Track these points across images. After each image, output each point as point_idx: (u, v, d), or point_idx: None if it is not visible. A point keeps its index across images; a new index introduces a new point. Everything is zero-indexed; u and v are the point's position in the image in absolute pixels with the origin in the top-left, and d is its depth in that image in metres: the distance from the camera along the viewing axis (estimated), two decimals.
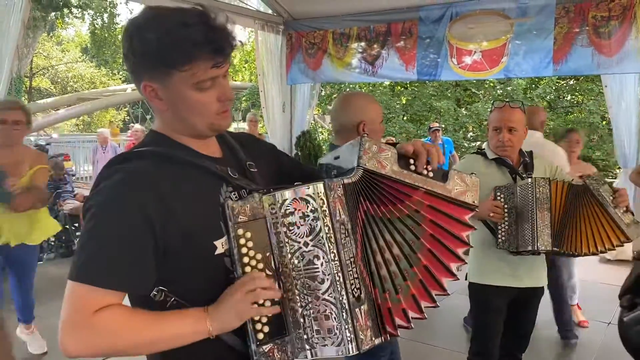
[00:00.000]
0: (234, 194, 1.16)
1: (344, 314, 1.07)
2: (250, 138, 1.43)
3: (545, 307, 2.66)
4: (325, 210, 1.08)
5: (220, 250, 1.11)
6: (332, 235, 1.08)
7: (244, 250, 1.08)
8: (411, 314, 1.20)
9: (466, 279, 2.65)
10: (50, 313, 4.33)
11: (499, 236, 2.44)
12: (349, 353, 1.07)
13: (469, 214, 1.28)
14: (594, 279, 5.11)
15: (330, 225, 1.08)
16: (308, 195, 1.08)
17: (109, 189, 1.05)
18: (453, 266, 1.25)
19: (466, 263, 1.26)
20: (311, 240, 1.08)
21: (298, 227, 1.08)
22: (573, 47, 5.21)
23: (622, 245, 2.45)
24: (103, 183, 1.07)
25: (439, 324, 4.21)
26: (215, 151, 1.23)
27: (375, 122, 2.18)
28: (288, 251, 1.09)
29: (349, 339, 1.07)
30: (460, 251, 1.27)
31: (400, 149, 1.23)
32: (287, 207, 1.09)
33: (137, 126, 9.86)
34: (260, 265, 1.09)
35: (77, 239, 6.66)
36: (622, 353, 3.75)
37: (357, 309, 1.09)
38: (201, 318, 1.06)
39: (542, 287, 2.61)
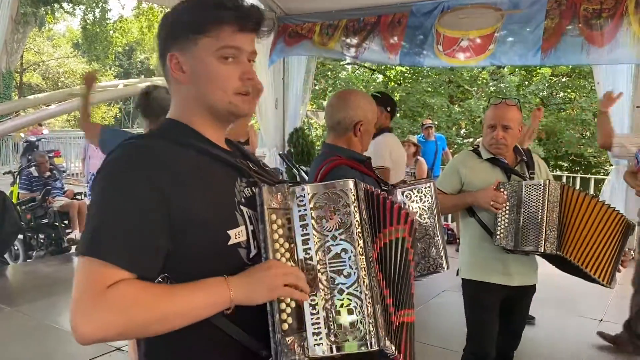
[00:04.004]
0: (248, 190, 1.16)
1: (368, 308, 1.07)
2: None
3: (536, 305, 2.65)
4: (356, 207, 1.11)
5: (233, 240, 1.08)
6: (361, 231, 1.10)
7: (276, 236, 1.08)
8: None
9: (457, 275, 2.63)
10: (40, 311, 4.29)
11: (498, 232, 2.40)
12: (370, 347, 1.06)
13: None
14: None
15: (359, 221, 1.11)
16: (341, 190, 1.11)
17: (123, 160, 1.03)
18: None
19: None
20: (340, 234, 1.09)
21: (327, 221, 1.10)
22: (563, 37, 5.18)
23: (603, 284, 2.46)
24: (116, 153, 1.05)
25: (432, 322, 4.20)
26: (224, 145, 1.23)
27: (371, 124, 2.16)
28: (315, 244, 1.09)
29: (372, 333, 1.06)
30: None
31: None
32: (317, 201, 1.10)
33: None
34: (287, 255, 1.09)
35: (67, 236, 6.62)
36: (613, 350, 3.77)
37: (377, 305, 1.10)
38: (221, 285, 1.02)
39: (534, 286, 2.60)
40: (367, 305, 1.07)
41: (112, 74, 27.47)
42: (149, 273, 1.00)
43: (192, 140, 1.12)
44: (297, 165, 4.72)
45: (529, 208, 2.36)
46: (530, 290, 2.60)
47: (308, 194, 1.11)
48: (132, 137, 1.13)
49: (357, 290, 1.07)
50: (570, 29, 5.14)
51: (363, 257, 1.09)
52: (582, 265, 2.39)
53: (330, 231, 1.09)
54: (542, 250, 2.34)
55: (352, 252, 1.09)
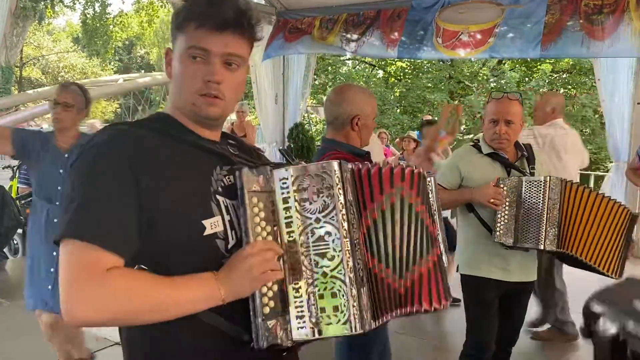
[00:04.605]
0: (228, 178, 1.13)
1: (352, 290, 1.05)
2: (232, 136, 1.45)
3: (536, 303, 2.64)
4: (340, 188, 1.08)
5: (209, 230, 1.06)
6: (346, 214, 1.08)
7: (257, 219, 1.06)
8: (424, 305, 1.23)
9: (457, 271, 2.63)
10: None
11: (497, 228, 2.39)
12: (354, 331, 1.05)
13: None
14: (587, 273, 5.10)
15: (343, 202, 1.08)
16: (324, 172, 1.08)
17: (97, 148, 1.03)
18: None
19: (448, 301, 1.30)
20: (324, 216, 1.07)
21: (310, 203, 1.07)
22: (563, 31, 5.18)
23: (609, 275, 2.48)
24: (93, 140, 1.05)
25: (431, 318, 4.20)
26: (215, 136, 1.22)
27: (369, 117, 2.15)
28: (298, 226, 1.08)
29: (356, 316, 1.05)
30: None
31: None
32: (301, 183, 1.08)
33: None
34: (270, 238, 1.07)
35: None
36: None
37: (362, 288, 1.08)
38: (212, 283, 1.03)
39: (532, 282, 2.60)
40: (351, 288, 1.05)
41: (112, 69, 27.42)
42: (128, 254, 1.01)
43: (173, 130, 1.12)
44: (297, 161, 4.72)
45: (529, 204, 2.35)
46: (529, 286, 2.59)
47: (291, 175, 1.08)
48: (117, 123, 1.14)
49: (341, 273, 1.05)
50: (571, 25, 5.13)
51: (347, 239, 1.07)
52: (586, 259, 2.39)
53: (314, 213, 1.07)
54: (542, 248, 2.34)
55: (335, 234, 1.06)
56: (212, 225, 1.07)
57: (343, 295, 1.05)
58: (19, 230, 6.45)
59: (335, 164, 1.09)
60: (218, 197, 1.10)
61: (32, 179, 2.88)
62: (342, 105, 2.12)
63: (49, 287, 2.70)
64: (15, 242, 6.49)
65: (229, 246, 1.09)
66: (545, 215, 2.32)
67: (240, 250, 1.06)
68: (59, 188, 2.68)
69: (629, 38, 4.86)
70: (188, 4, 1.11)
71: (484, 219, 2.48)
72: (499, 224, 2.39)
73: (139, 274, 1.00)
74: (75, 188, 1.01)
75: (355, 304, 1.05)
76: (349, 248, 1.07)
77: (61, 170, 2.69)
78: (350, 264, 1.06)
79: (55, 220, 2.68)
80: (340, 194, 1.08)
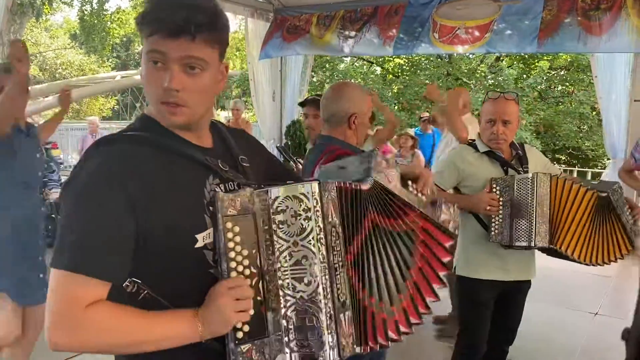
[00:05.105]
0: (222, 187, 1.12)
1: (328, 319, 1.04)
2: (244, 134, 1.40)
3: (530, 299, 2.65)
4: (318, 211, 1.06)
5: (200, 243, 1.07)
6: (323, 237, 1.06)
7: (231, 244, 1.03)
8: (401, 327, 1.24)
9: (454, 272, 2.63)
10: None
11: (492, 229, 2.41)
12: (330, 357, 1.04)
13: (449, 241, 1.35)
14: (580, 269, 5.12)
15: (321, 226, 1.06)
16: (302, 193, 1.05)
17: (90, 172, 1.03)
18: (436, 287, 1.31)
19: (446, 286, 1.38)
20: (301, 240, 1.05)
21: (288, 226, 1.05)
22: (560, 26, 5.19)
23: (622, 258, 2.47)
24: (85, 164, 1.05)
25: (426, 316, 4.20)
26: (206, 142, 1.19)
27: (366, 116, 2.17)
28: (276, 250, 1.06)
29: (331, 344, 1.04)
30: (441, 274, 1.33)
31: (406, 169, 1.36)
32: (279, 205, 1.05)
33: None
34: (246, 262, 1.04)
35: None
36: (608, 343, 3.79)
37: (341, 314, 1.07)
38: (192, 322, 1.04)
39: (530, 281, 2.60)
40: (327, 316, 1.04)
41: (109, 65, 27.33)
42: (120, 281, 1.04)
43: (163, 139, 1.10)
44: (295, 158, 4.71)
45: (520, 202, 2.37)
46: (526, 284, 2.60)
47: (270, 197, 1.06)
48: (104, 140, 1.10)
49: (316, 299, 1.04)
50: (568, 20, 5.14)
51: (325, 263, 1.05)
52: (574, 256, 2.40)
53: (292, 237, 1.05)
54: (534, 245, 2.35)
55: (312, 259, 1.04)
56: (204, 237, 1.08)
57: (317, 322, 1.04)
58: None
59: (315, 185, 1.06)
60: (211, 208, 1.09)
61: None
62: (340, 103, 2.13)
63: None
64: None
65: (216, 257, 1.08)
66: (535, 212, 2.34)
67: (213, 287, 1.05)
68: None
69: (626, 33, 4.87)
70: (146, 9, 1.06)
71: (483, 219, 2.50)
72: (494, 224, 2.41)
73: (119, 311, 1.02)
74: (67, 215, 1.03)
75: (331, 331, 1.04)
76: (325, 273, 1.05)
77: None
78: (328, 290, 1.05)
79: None
80: (318, 216, 1.05)
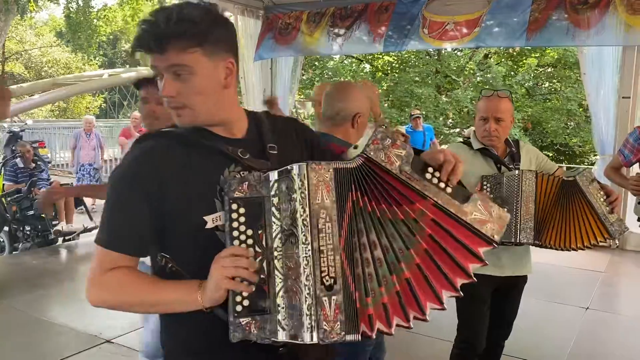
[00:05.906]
0: (241, 174, 1.19)
1: (308, 300, 1.04)
2: (290, 122, 1.43)
3: (522, 295, 2.68)
4: (304, 192, 1.05)
5: (210, 224, 1.17)
6: (307, 219, 1.05)
7: (235, 224, 1.10)
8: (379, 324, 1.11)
9: None
10: (27, 304, 4.25)
11: None
12: (307, 341, 1.03)
13: (485, 247, 1.19)
14: (571, 265, 5.21)
15: (306, 208, 1.05)
16: (286, 176, 1.08)
17: (124, 165, 1.22)
18: (444, 294, 1.14)
19: (461, 296, 1.16)
20: (289, 221, 1.08)
21: (282, 208, 1.09)
22: (549, 21, 5.24)
23: (605, 242, 2.48)
24: (125, 156, 1.24)
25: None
26: (238, 133, 1.27)
27: (366, 115, 2.27)
28: (274, 231, 1.10)
29: (308, 326, 1.03)
30: (458, 282, 1.16)
31: (427, 155, 1.17)
32: (278, 187, 1.10)
33: (136, 113, 9.44)
34: (250, 241, 1.11)
35: (54, 228, 6.55)
36: (599, 336, 3.84)
37: (325, 298, 1.04)
38: (193, 289, 1.13)
39: (525, 276, 2.63)
40: (307, 297, 1.04)
41: (96, 63, 27.07)
42: (138, 254, 1.23)
43: (187, 134, 1.22)
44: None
45: (508, 199, 2.40)
46: (521, 280, 2.62)
47: (271, 180, 1.11)
48: (142, 136, 1.29)
49: (299, 280, 1.05)
50: (557, 15, 5.19)
51: (307, 245, 1.04)
52: (551, 244, 2.43)
53: (285, 218, 1.09)
54: (518, 241, 2.38)
55: (300, 240, 1.05)
56: (214, 219, 1.17)
57: (304, 302, 1.04)
58: (5, 228, 6.39)
59: (303, 167, 1.05)
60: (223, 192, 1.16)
61: None
62: (346, 102, 2.21)
63: None
64: (1, 239, 6.43)
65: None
66: (520, 209, 2.37)
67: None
68: None
69: (614, 27, 4.93)
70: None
71: None
72: None
73: (132, 276, 1.20)
74: (106, 199, 1.22)
75: (310, 313, 1.03)
76: (308, 255, 1.04)
77: None
78: (310, 271, 1.04)
79: None
80: (303, 197, 1.05)
